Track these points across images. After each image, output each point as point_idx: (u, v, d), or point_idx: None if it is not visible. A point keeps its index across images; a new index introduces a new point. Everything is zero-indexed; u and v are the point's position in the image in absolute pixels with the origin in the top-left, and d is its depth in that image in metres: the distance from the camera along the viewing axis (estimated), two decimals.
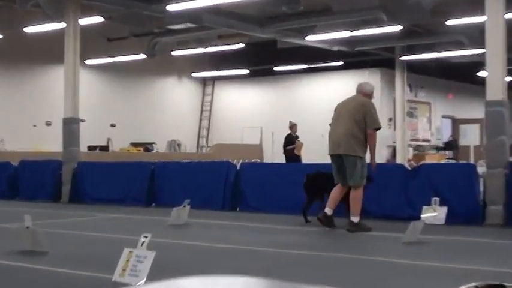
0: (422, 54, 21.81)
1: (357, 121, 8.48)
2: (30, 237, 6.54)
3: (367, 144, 8.53)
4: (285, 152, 17.93)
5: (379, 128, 8.58)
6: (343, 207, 8.82)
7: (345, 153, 8.47)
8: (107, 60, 22.36)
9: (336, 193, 8.64)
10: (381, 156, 23.19)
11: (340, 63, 23.24)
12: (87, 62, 21.90)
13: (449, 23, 17.30)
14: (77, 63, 14.15)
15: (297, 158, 17.59)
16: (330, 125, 8.91)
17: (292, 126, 18.20)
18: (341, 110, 8.74)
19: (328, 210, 8.58)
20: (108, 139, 23.40)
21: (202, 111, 28.12)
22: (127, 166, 13.59)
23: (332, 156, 8.67)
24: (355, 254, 6.74)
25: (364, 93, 8.86)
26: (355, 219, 8.49)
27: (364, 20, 17.44)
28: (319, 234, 8.27)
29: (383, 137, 23.72)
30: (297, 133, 18.13)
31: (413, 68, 23.93)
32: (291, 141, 17.94)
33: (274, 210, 10.96)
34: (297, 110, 25.26)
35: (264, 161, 23.78)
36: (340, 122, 8.59)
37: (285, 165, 11.35)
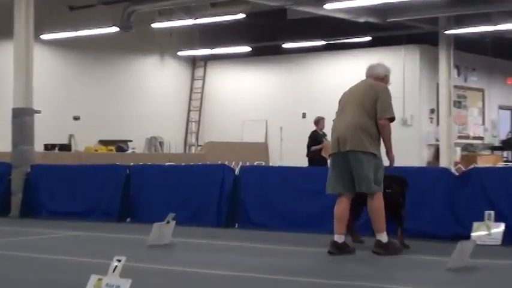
0: (474, 28, 21.78)
1: (367, 111, 8.45)
2: None
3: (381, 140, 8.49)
4: (310, 153, 17.84)
5: (393, 119, 8.53)
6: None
7: (352, 150, 8.35)
8: (69, 35, 22.37)
9: (341, 211, 8.45)
10: (421, 158, 23.21)
11: (369, 38, 23.23)
12: (44, 36, 21.92)
13: None
14: (31, 38, 14.15)
15: (324, 161, 17.50)
16: (333, 120, 8.86)
17: (319, 121, 18.09)
18: (348, 99, 8.71)
19: (338, 238, 8.40)
20: (71, 136, 23.42)
21: (190, 100, 28.14)
22: (95, 170, 13.60)
23: (334, 156, 8.56)
24: (385, 283, 6.77)
25: (377, 77, 8.81)
26: (383, 237, 8.39)
27: None
28: (339, 258, 8.29)
29: (423, 134, 23.79)
30: (323, 129, 18.00)
31: (461, 44, 23.91)
32: (317, 140, 17.84)
33: (282, 227, 10.98)
34: (313, 98, 25.26)
35: (270, 163, 23.81)
36: (347, 113, 8.55)
37: (297, 170, 11.38)
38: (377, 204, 8.38)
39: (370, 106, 8.46)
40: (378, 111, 8.44)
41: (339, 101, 8.86)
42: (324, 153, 17.47)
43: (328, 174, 8.67)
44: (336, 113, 8.79)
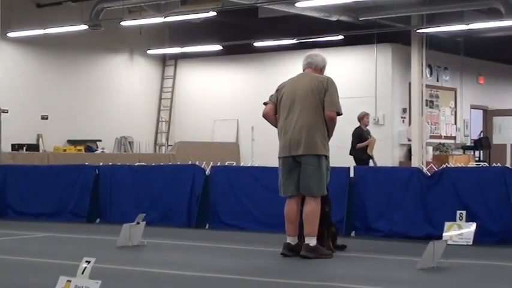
0: (447, 26, 21.94)
1: (316, 107, 8.35)
2: None
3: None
4: (354, 151, 17.34)
5: (340, 114, 8.44)
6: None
7: (306, 154, 8.30)
8: (36, 32, 22.26)
9: (293, 212, 8.40)
10: (393, 157, 23.33)
11: (341, 37, 23.33)
12: (10, 34, 21.80)
13: None
14: None
15: (369, 160, 17.01)
16: (264, 116, 8.69)
17: (363, 117, 17.59)
18: (292, 92, 8.47)
19: (292, 240, 8.38)
20: (39, 135, 23.30)
21: (161, 99, 28.09)
22: (63, 170, 13.55)
23: (284, 158, 8.45)
24: (356, 283, 6.82)
25: (316, 68, 8.67)
26: (312, 241, 8.26)
27: None
28: (308, 259, 8.32)
29: (395, 133, 23.91)
30: (367, 125, 17.57)
31: (434, 43, 24.07)
32: (361, 137, 17.37)
33: (253, 228, 11.03)
34: None
35: (241, 163, 23.83)
36: (297, 112, 8.39)
37: (268, 170, 11.40)
38: (316, 208, 8.31)
39: (319, 100, 8.34)
40: (326, 104, 8.31)
41: (279, 92, 8.63)
42: (369, 151, 17.01)
43: (279, 178, 8.57)
44: (281, 110, 8.56)
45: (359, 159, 17.04)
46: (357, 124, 17.83)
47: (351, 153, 17.52)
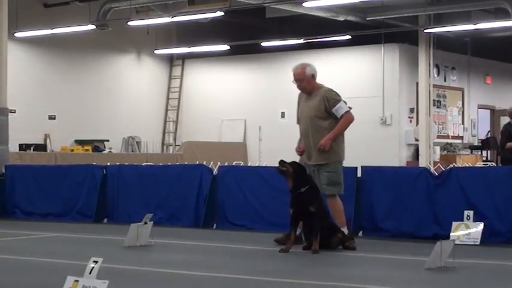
0: (454, 26, 21.93)
1: None
2: None
3: None
4: (503, 151, 15.11)
5: None
6: None
7: None
8: (43, 32, 22.30)
9: None
10: (400, 157, 23.31)
11: (348, 37, 23.33)
12: (18, 34, 21.84)
13: None
14: (4, 35, 14.11)
15: None
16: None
17: None
18: None
19: None
20: (46, 135, 23.35)
21: (168, 99, 28.12)
22: (70, 170, 13.56)
23: None
24: (364, 283, 6.82)
25: None
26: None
27: None
28: (316, 259, 8.34)
29: (402, 133, 23.89)
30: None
31: (441, 43, 24.05)
32: (510, 134, 14.67)
33: (260, 228, 11.02)
34: (292, 97, 25.06)
35: (249, 163, 23.83)
36: None
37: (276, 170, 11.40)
38: None
39: None
40: None
41: None
42: None
43: None
44: None
45: (507, 160, 14.60)
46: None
47: (498, 154, 15.67)
